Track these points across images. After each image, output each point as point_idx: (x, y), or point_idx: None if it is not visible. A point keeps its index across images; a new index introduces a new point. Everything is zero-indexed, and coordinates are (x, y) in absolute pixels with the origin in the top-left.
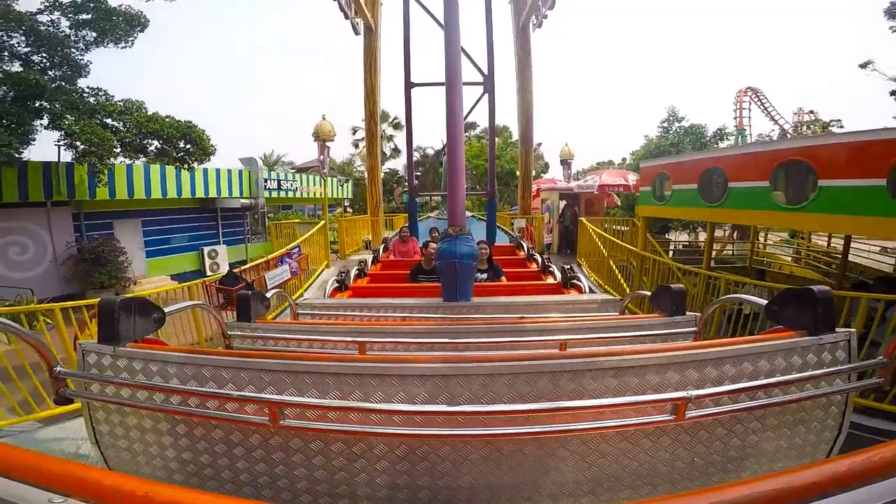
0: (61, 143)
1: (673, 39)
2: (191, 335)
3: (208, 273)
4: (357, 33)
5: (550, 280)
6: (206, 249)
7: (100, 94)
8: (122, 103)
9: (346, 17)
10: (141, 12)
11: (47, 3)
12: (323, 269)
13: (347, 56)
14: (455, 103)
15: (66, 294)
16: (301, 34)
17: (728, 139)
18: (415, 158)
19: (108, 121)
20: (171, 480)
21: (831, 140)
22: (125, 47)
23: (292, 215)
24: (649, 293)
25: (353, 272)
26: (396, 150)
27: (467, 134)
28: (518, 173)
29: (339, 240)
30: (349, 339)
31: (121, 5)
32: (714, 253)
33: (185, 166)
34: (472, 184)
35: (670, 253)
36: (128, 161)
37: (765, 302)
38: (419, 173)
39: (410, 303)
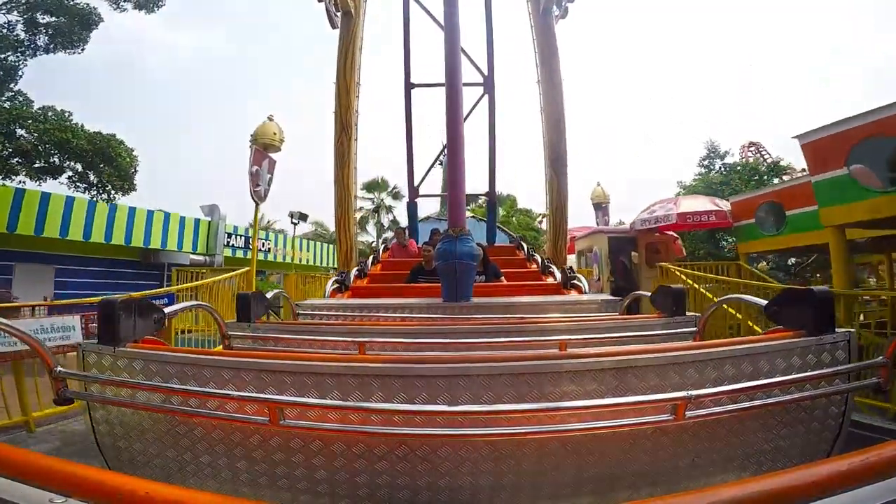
0: None
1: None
2: None
3: None
4: (335, 26)
5: (550, 280)
6: None
7: (17, 97)
8: (40, 111)
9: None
10: (95, 8)
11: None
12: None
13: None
14: (455, 104)
15: None
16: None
17: (787, 173)
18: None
19: (21, 131)
20: (171, 480)
21: None
22: (73, 53)
23: (263, 284)
24: (649, 293)
25: (353, 272)
26: (395, 223)
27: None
28: (547, 212)
29: (283, 304)
30: (349, 339)
31: (76, 3)
32: None
33: (102, 196)
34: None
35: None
36: (36, 185)
37: (765, 302)
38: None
39: (410, 303)
